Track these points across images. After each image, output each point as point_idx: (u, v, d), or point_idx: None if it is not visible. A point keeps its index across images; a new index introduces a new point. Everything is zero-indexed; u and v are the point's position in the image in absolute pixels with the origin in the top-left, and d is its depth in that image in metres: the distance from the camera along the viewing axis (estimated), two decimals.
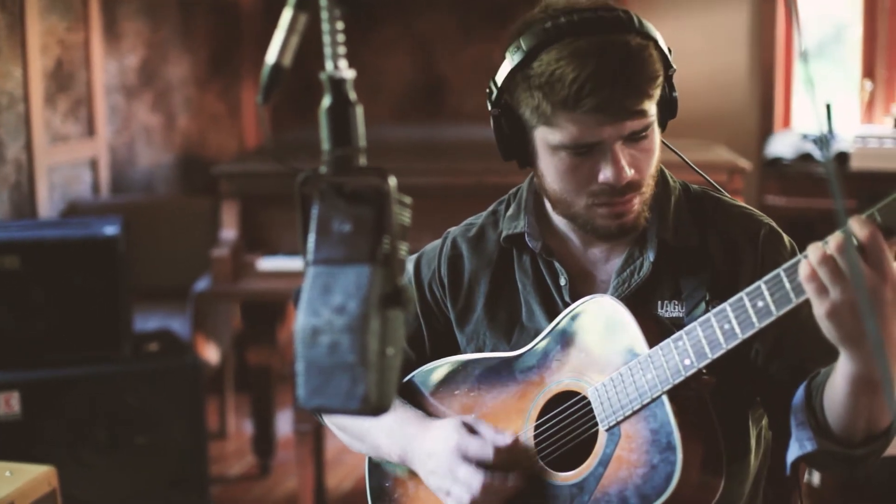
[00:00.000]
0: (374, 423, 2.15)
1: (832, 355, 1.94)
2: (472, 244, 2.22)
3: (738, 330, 1.80)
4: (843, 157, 5.78)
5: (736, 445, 2.03)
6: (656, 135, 2.02)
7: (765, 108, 6.29)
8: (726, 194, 2.19)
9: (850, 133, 5.91)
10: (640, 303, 2.03)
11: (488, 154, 4.97)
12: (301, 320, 1.29)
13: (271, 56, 1.33)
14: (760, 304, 1.77)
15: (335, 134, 1.33)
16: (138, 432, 4.10)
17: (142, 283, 4.92)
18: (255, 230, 4.58)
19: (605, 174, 1.96)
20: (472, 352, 2.17)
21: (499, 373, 2.10)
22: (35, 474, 2.96)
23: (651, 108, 1.97)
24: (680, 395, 1.89)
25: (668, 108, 2.04)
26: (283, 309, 5.06)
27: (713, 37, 6.27)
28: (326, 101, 1.32)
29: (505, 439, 2.01)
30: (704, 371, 1.87)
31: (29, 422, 3.95)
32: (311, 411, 1.29)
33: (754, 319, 1.78)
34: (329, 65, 1.32)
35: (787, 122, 6.36)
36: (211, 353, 5.05)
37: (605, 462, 1.94)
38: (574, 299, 2.08)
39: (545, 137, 1.99)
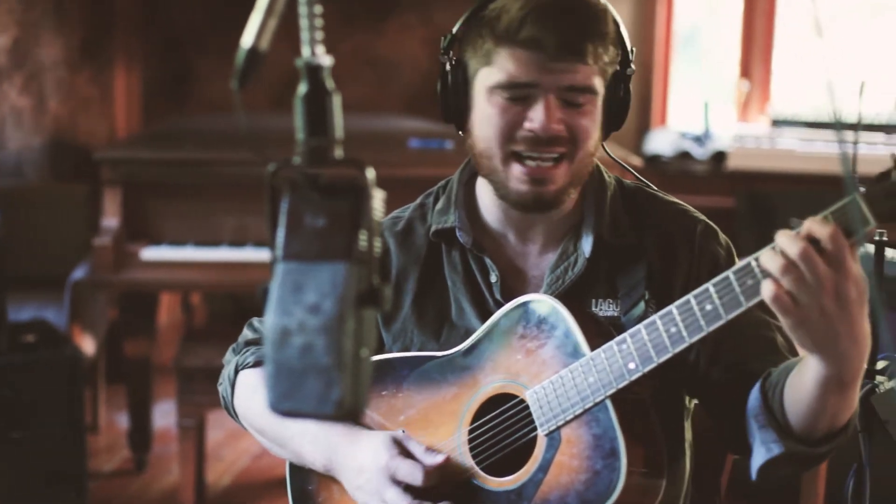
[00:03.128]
0: (298, 429, 2.07)
1: (775, 354, 1.93)
2: (400, 239, 2.15)
3: (685, 333, 1.76)
4: (720, 157, 5.85)
5: (673, 447, 2.01)
6: (596, 114, 1.98)
7: (643, 105, 6.31)
8: (659, 191, 2.16)
9: (727, 132, 5.99)
10: (574, 301, 1.98)
11: (358, 145, 4.92)
12: (271, 320, 1.22)
13: (247, 39, 1.25)
14: (709, 307, 1.73)
15: (311, 123, 1.26)
16: (14, 426, 3.94)
17: (10, 272, 4.74)
18: (137, 219, 4.44)
19: (532, 120, 1.93)
20: (399, 351, 2.11)
21: (429, 373, 2.04)
22: None
23: (595, 71, 1.94)
24: (621, 398, 1.85)
25: (616, 109, 2.01)
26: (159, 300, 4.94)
27: None
28: (302, 89, 1.25)
29: (436, 459, 1.95)
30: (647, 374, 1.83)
31: None
32: (281, 416, 1.22)
33: (702, 323, 1.74)
34: (306, 51, 1.25)
35: (663, 119, 6.41)
36: (87, 345, 4.89)
37: (544, 467, 1.89)
38: (505, 297, 2.04)
39: (485, 80, 1.96)
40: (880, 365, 2.25)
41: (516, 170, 1.96)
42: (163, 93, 6.78)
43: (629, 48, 2.00)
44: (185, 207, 4.38)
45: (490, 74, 1.95)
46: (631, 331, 1.81)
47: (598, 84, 1.95)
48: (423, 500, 1.93)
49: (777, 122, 6.11)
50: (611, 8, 1.98)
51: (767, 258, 1.65)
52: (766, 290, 1.63)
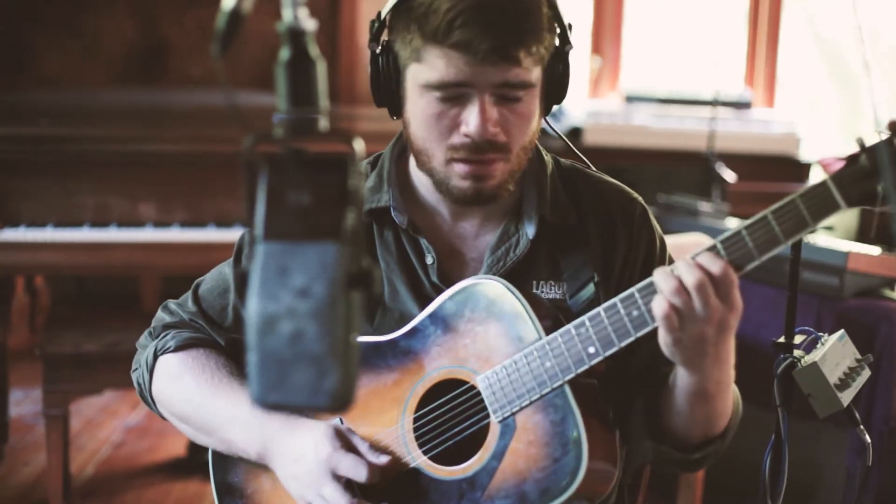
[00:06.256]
0: (229, 416, 1.97)
1: None
2: None
3: (647, 317, 1.73)
4: (576, 133, 5.87)
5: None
6: (535, 104, 1.90)
7: None
8: (593, 169, 2.13)
9: (582, 108, 6.01)
10: (515, 283, 1.90)
11: (217, 121, 4.77)
12: (255, 305, 1.13)
13: (229, 2, 1.15)
14: None
15: (294, 92, 1.17)
16: None
17: None
18: None
19: (467, 124, 1.85)
20: None
21: (367, 358, 1.95)
22: None
23: (530, 66, 1.85)
24: (578, 383, 1.81)
25: (556, 87, 1.94)
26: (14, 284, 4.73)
27: None
28: (284, 55, 1.16)
29: (380, 460, 1.88)
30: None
31: None
32: (268, 409, 1.13)
33: None
34: (288, 14, 1.16)
35: None
36: None
37: (498, 455, 1.83)
38: (442, 279, 1.97)
39: (415, 76, 1.87)
40: (798, 339, 2.24)
41: (458, 168, 1.89)
42: None
43: (566, 25, 1.91)
44: (44, 187, 4.17)
45: (420, 72, 1.86)
46: (590, 314, 1.77)
47: (536, 74, 1.87)
48: (363, 500, 1.87)
49: (630, 99, 6.15)
50: None
51: (663, 279, 1.69)
52: (658, 308, 1.68)
